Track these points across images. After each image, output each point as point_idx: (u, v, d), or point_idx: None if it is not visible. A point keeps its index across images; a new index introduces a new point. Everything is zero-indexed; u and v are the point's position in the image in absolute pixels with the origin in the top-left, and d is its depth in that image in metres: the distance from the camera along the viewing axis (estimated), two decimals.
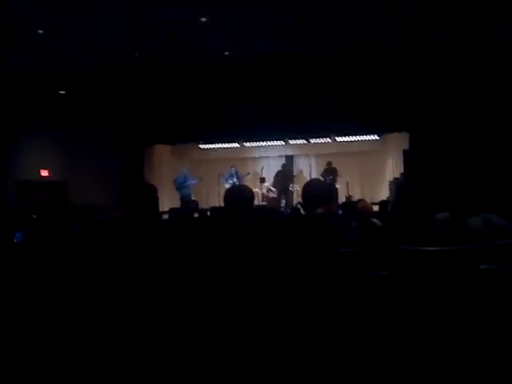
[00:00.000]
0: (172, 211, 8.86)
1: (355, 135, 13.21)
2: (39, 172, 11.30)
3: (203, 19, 7.48)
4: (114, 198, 9.09)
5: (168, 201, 12.31)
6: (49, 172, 11.42)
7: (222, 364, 1.72)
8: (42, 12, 6.94)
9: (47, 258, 2.58)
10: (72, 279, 1.98)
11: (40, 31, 7.62)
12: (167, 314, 1.79)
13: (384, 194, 12.49)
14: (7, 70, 9.13)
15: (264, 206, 11.63)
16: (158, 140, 13.15)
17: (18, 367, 1.76)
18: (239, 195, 2.68)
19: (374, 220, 4.50)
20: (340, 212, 6.09)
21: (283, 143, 13.89)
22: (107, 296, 1.86)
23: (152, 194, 2.53)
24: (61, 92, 10.75)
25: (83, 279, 1.96)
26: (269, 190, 12.72)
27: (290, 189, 12.64)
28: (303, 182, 4.75)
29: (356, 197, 11.88)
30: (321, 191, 2.97)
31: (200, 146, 14.13)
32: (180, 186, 12.46)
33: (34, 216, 5.78)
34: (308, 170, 13.66)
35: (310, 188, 3.01)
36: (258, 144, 13.92)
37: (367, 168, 14.05)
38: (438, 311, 1.73)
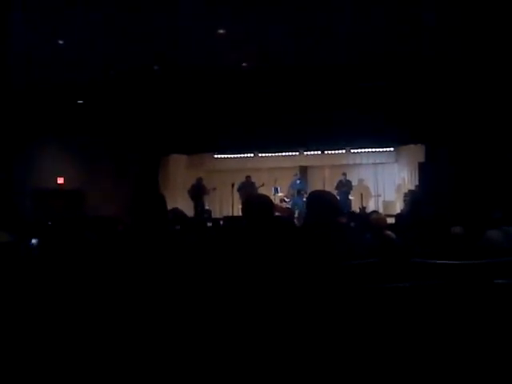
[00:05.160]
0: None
1: (370, 147, 13.17)
2: (56, 180, 11.44)
3: (221, 31, 7.55)
4: (128, 206, 9.13)
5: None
6: (64, 180, 11.55)
7: (236, 365, 1.71)
8: (63, 23, 7.07)
9: (61, 263, 2.61)
10: (83, 284, 1.99)
11: (60, 42, 7.77)
12: (172, 316, 1.80)
13: (399, 206, 12.39)
14: (27, 79, 9.29)
15: (278, 216, 11.60)
16: (174, 150, 13.25)
17: (26, 372, 1.77)
18: (259, 204, 2.65)
19: (388, 232, 4.46)
20: (352, 224, 6.05)
21: (298, 154, 13.89)
22: (117, 301, 1.87)
23: (161, 203, 2.54)
24: (79, 102, 10.90)
25: (94, 284, 1.98)
26: (282, 201, 12.70)
27: (304, 199, 12.61)
28: None
29: (370, 209, 11.79)
30: (332, 203, 2.93)
31: (215, 155, 14.22)
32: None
33: (49, 223, 5.83)
34: (322, 180, 13.62)
35: (320, 199, 2.97)
36: (272, 154, 13.96)
37: (382, 180, 13.96)
38: (452, 325, 1.71)
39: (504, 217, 3.51)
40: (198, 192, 12.58)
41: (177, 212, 4.71)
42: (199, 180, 12.78)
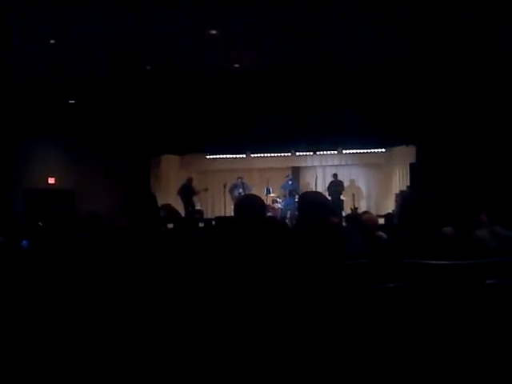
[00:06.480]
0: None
1: (362, 148, 13.22)
2: (47, 180, 11.36)
3: (213, 32, 7.55)
4: (119, 206, 9.07)
5: None
6: (55, 180, 11.47)
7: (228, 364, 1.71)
8: (54, 22, 7.02)
9: (52, 265, 2.59)
10: (76, 285, 1.98)
11: (52, 41, 7.71)
12: (168, 317, 1.79)
13: (390, 206, 12.44)
14: (18, 79, 9.22)
15: (271, 216, 11.61)
16: (166, 150, 13.22)
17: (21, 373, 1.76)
18: (251, 205, 2.64)
19: (380, 233, 4.49)
20: (344, 224, 6.08)
21: (289, 154, 13.92)
22: (111, 301, 1.87)
23: (152, 203, 2.54)
24: (70, 101, 10.85)
25: (87, 285, 1.97)
26: (274, 201, 12.71)
27: (296, 200, 12.63)
28: None
29: (362, 209, 11.84)
30: (323, 203, 2.93)
31: (206, 156, 14.21)
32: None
33: (40, 224, 5.78)
34: (314, 181, 13.67)
35: (311, 200, 2.96)
36: (264, 155, 13.97)
37: (373, 180, 14.03)
38: (443, 325, 1.72)
39: (493, 216, 3.54)
40: (187, 192, 12.53)
41: (169, 209, 4.67)
42: (189, 180, 12.74)
